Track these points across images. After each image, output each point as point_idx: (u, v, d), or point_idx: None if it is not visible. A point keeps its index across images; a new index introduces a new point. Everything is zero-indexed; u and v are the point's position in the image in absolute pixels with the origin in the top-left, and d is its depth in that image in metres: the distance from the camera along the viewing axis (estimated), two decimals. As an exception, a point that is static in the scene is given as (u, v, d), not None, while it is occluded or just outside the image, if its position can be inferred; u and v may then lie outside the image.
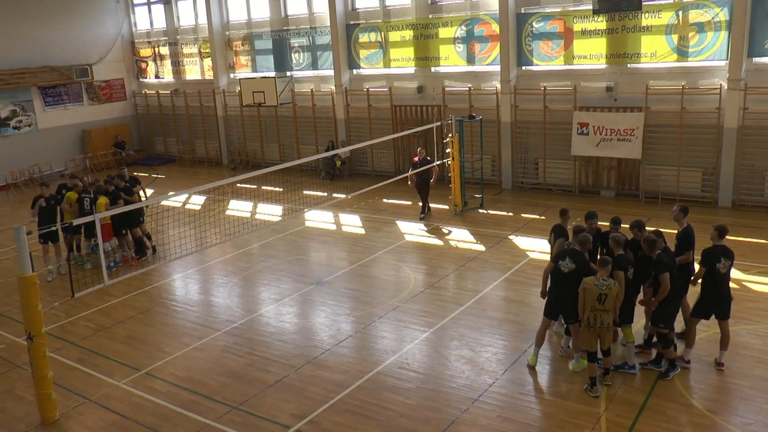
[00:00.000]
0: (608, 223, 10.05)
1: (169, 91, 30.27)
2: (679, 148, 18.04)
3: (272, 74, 25.82)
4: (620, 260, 9.17)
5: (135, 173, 16.51)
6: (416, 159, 17.60)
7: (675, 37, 17.75)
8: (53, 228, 13.18)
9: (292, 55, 25.80)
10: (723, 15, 16.93)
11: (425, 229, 17.01)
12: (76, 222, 11.51)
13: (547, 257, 10.96)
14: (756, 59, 17.01)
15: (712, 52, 17.34)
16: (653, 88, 18.21)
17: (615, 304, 8.86)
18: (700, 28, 17.33)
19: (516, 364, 9.98)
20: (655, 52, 18.16)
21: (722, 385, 9.11)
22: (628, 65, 18.77)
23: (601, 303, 8.81)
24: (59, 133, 28.46)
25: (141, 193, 16.66)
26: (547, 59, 19.97)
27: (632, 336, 9.74)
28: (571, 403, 8.89)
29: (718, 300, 9.35)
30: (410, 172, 17.39)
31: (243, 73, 27.53)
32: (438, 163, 17.77)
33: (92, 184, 16.02)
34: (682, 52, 17.78)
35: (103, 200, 14.83)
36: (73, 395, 9.83)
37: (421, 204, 17.99)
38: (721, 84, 17.35)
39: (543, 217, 14.66)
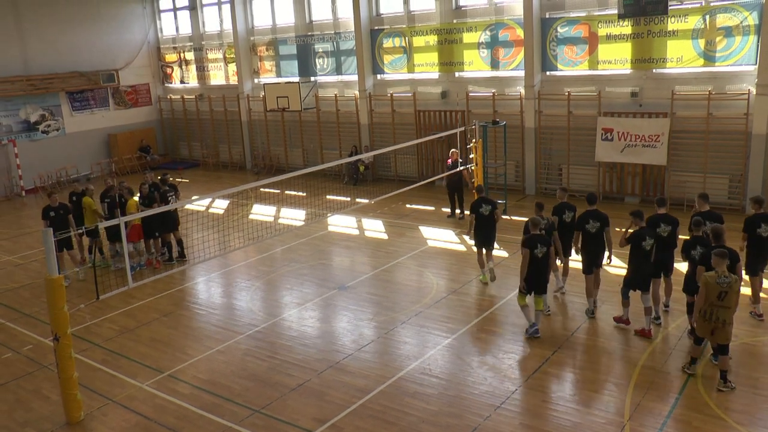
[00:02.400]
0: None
1: (193, 96, 30.55)
2: (706, 154, 17.81)
3: (296, 79, 25.98)
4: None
5: (170, 179, 16.56)
6: (449, 161, 17.67)
7: (702, 42, 17.55)
8: (65, 235, 13.45)
9: (317, 60, 25.92)
10: (752, 19, 16.70)
11: (455, 231, 16.99)
12: (104, 225, 11.66)
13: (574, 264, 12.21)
14: (786, 64, 16.77)
15: (740, 57, 17.11)
16: (679, 94, 18.01)
17: (736, 301, 8.97)
18: (728, 32, 17.11)
19: (539, 371, 9.90)
20: (681, 57, 17.97)
21: (750, 397, 8.95)
22: (654, 70, 18.60)
23: (720, 300, 8.85)
24: (86, 137, 28.86)
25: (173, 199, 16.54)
26: (571, 64, 19.85)
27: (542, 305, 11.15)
28: (594, 411, 8.80)
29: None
30: (444, 174, 17.50)
31: (267, 78, 27.70)
32: (468, 167, 17.84)
33: (118, 186, 16.05)
34: (708, 56, 17.57)
35: (133, 201, 15.00)
36: (97, 396, 9.93)
37: (450, 207, 18.22)
38: (749, 89, 17.11)
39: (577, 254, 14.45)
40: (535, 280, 10.86)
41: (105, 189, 15.80)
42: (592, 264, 11.61)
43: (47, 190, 15.21)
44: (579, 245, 11.66)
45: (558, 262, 12.50)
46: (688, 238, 10.18)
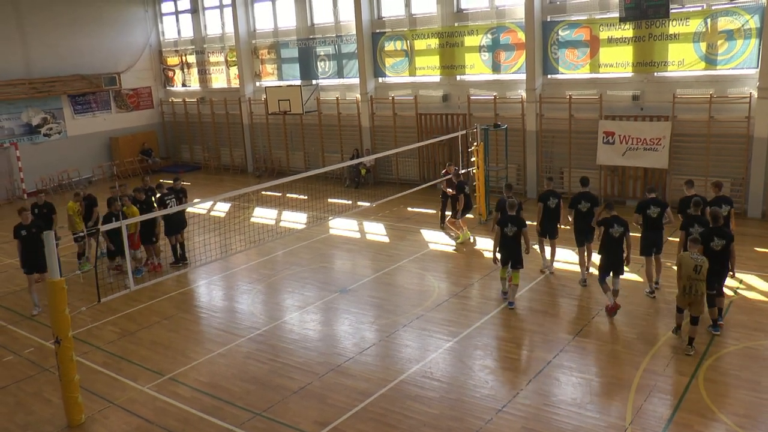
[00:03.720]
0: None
1: (195, 99, 30.58)
2: (707, 157, 17.80)
3: (298, 82, 26.01)
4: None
5: (160, 180, 16.50)
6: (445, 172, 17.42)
7: (703, 45, 17.55)
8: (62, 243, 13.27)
9: (318, 63, 25.94)
10: (753, 22, 16.70)
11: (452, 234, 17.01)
12: (105, 228, 11.66)
13: (574, 267, 13.27)
14: (787, 67, 16.76)
15: (741, 60, 17.11)
16: (680, 97, 18.01)
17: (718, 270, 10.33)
18: (730, 35, 17.11)
19: (541, 375, 9.89)
20: (682, 60, 17.98)
21: (752, 401, 8.92)
22: (655, 73, 18.60)
23: (697, 273, 9.91)
24: (87, 140, 28.89)
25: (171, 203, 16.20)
26: (572, 67, 19.86)
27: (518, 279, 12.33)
28: (596, 414, 8.78)
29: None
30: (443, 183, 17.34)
31: (269, 81, 27.73)
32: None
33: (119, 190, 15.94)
34: (710, 60, 17.57)
35: (134, 210, 14.94)
36: (98, 399, 9.93)
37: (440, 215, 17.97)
38: (750, 93, 17.11)
39: (568, 227, 14.54)
40: (506, 255, 12.23)
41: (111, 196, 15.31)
42: (584, 239, 13.14)
43: (19, 207, 13.51)
44: (573, 221, 13.24)
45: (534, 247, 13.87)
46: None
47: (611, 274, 11.70)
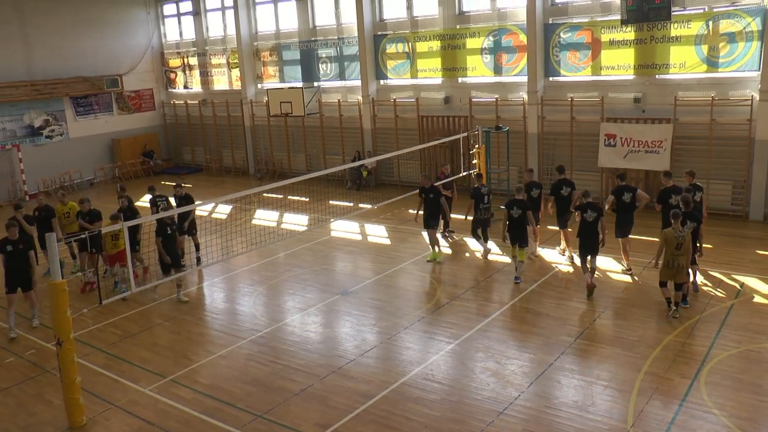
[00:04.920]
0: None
1: (197, 101, 30.62)
2: (709, 160, 17.79)
3: (300, 84, 26.02)
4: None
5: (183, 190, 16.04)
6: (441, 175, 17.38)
7: (705, 48, 17.55)
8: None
9: (320, 65, 25.97)
10: (755, 25, 16.70)
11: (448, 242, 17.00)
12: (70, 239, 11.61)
13: (571, 268, 13.33)
14: (789, 70, 16.76)
15: (743, 63, 17.11)
16: (682, 99, 18.01)
17: (688, 248, 11.39)
18: (731, 38, 17.11)
19: (542, 377, 9.88)
20: (684, 63, 17.98)
21: (754, 404, 8.91)
22: (657, 76, 18.60)
23: (678, 250, 11.24)
24: (89, 142, 28.93)
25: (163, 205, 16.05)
26: (574, 70, 19.87)
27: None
28: (597, 417, 8.77)
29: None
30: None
31: (270, 83, 27.76)
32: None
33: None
34: (711, 62, 17.57)
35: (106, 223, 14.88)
36: (99, 401, 9.93)
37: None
38: (752, 95, 17.10)
39: (569, 229, 14.59)
40: (513, 235, 13.62)
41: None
42: (566, 221, 14.69)
43: (7, 222, 12.79)
44: (555, 206, 14.84)
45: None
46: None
47: (589, 256, 12.82)
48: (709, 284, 13.08)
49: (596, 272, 13.12)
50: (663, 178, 13.82)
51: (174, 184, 16.51)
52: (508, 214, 13.61)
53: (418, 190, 15.70)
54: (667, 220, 12.40)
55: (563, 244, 15.07)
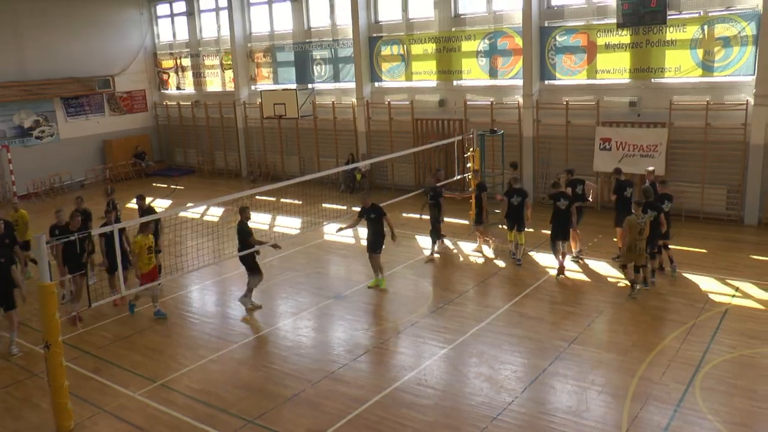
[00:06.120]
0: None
1: (190, 103, 30.56)
2: (704, 164, 17.85)
3: (293, 86, 26.02)
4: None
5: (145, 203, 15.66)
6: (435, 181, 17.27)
7: (700, 52, 17.61)
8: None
9: (314, 67, 25.95)
10: (750, 29, 16.77)
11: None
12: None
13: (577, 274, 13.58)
14: (784, 74, 16.81)
15: (738, 67, 17.17)
16: (677, 103, 18.06)
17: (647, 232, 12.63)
18: (726, 42, 17.17)
19: (536, 382, 9.87)
20: (679, 67, 18.03)
21: (748, 409, 8.92)
22: (652, 80, 18.66)
23: (640, 234, 12.47)
24: (80, 143, 28.84)
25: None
26: (570, 73, 19.91)
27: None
28: (592, 423, 8.76)
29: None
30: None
31: (264, 84, 27.74)
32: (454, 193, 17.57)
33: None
34: (707, 66, 17.63)
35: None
36: (88, 405, 9.86)
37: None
38: (747, 99, 17.16)
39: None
40: (512, 220, 15.02)
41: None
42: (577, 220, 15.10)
43: None
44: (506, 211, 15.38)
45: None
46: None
47: (560, 241, 14.11)
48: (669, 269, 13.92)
49: (567, 256, 14.49)
50: (614, 174, 15.28)
51: (137, 195, 15.78)
52: (509, 202, 14.92)
53: (423, 190, 16.86)
54: (621, 209, 14.24)
55: (574, 244, 15.27)
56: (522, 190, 15.17)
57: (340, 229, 14.91)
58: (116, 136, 30.03)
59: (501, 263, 15.28)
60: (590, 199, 15.70)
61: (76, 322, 12.85)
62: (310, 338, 11.98)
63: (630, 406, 9.08)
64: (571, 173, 15.51)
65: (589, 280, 14.06)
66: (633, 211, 12.68)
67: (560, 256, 14.17)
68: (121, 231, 13.04)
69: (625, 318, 12.02)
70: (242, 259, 13.13)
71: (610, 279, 13.94)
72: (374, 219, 13.97)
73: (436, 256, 15.99)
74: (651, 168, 15.54)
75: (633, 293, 12.78)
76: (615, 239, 15.16)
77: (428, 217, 15.96)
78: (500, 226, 15.10)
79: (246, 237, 12.87)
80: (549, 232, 14.88)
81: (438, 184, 16.13)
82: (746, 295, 12.76)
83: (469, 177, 17.89)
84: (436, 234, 15.89)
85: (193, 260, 14.32)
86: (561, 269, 14.17)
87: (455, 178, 17.69)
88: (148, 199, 16.84)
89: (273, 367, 10.83)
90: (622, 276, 13.41)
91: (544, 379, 9.94)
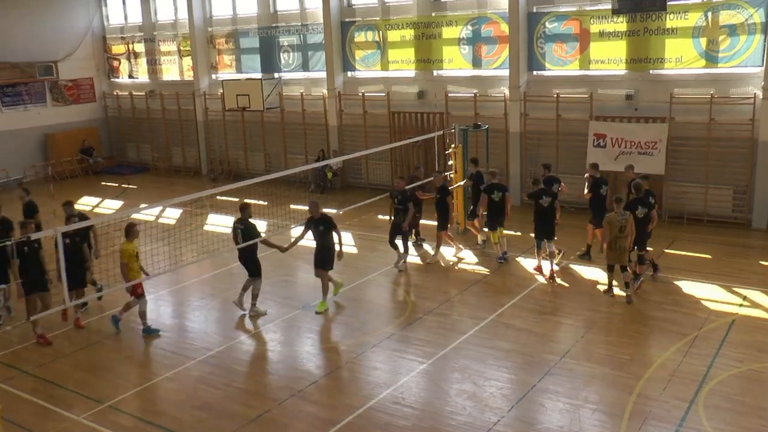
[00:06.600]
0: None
1: (143, 93, 30.31)
2: (707, 163, 18.03)
3: (258, 76, 25.93)
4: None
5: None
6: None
7: (703, 41, 17.80)
8: None
9: (281, 54, 25.88)
10: (758, 16, 16.98)
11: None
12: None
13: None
14: (795, 65, 17.03)
15: (745, 58, 17.38)
16: (678, 97, 18.24)
17: (630, 231, 12.97)
18: (732, 30, 17.38)
19: (524, 400, 9.89)
20: (680, 57, 18.22)
21: (759, 429, 9.00)
22: (651, 71, 18.85)
23: (621, 232, 12.83)
24: (18, 136, 28.40)
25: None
26: (560, 63, 20.05)
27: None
28: (586, 445, 8.79)
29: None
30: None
31: (226, 73, 27.61)
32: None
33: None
34: (711, 57, 17.83)
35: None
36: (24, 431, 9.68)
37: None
38: (755, 93, 17.36)
39: (555, 238, 14.67)
40: (494, 218, 15.47)
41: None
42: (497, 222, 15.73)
43: None
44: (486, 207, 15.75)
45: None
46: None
47: (545, 240, 14.56)
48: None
49: (555, 259, 14.77)
50: (590, 168, 15.71)
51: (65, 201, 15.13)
52: (489, 198, 15.34)
53: (388, 194, 16.10)
54: (596, 207, 14.95)
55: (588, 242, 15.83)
56: (501, 185, 15.71)
57: (285, 250, 13.98)
58: (60, 129, 29.68)
59: (485, 269, 15.30)
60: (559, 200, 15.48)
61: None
62: (275, 353, 11.95)
63: (627, 425, 9.12)
64: (548, 168, 16.02)
65: (581, 287, 14.14)
66: (614, 208, 13.07)
67: (544, 258, 14.66)
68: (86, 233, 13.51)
69: (621, 329, 12.09)
70: (247, 262, 13.34)
71: (602, 287, 13.99)
72: (323, 231, 13.61)
73: (399, 268, 15.57)
74: (630, 164, 16.04)
75: (627, 294, 13.10)
76: (588, 240, 15.72)
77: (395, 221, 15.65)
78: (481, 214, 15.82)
79: (256, 235, 13.20)
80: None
81: (411, 186, 16.11)
82: (755, 305, 12.89)
83: (451, 176, 17.91)
84: (403, 242, 15.64)
85: (147, 267, 14.17)
86: (540, 269, 14.75)
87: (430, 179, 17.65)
88: (95, 201, 16.56)
89: (235, 385, 10.75)
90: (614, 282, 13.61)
91: (532, 397, 9.96)
